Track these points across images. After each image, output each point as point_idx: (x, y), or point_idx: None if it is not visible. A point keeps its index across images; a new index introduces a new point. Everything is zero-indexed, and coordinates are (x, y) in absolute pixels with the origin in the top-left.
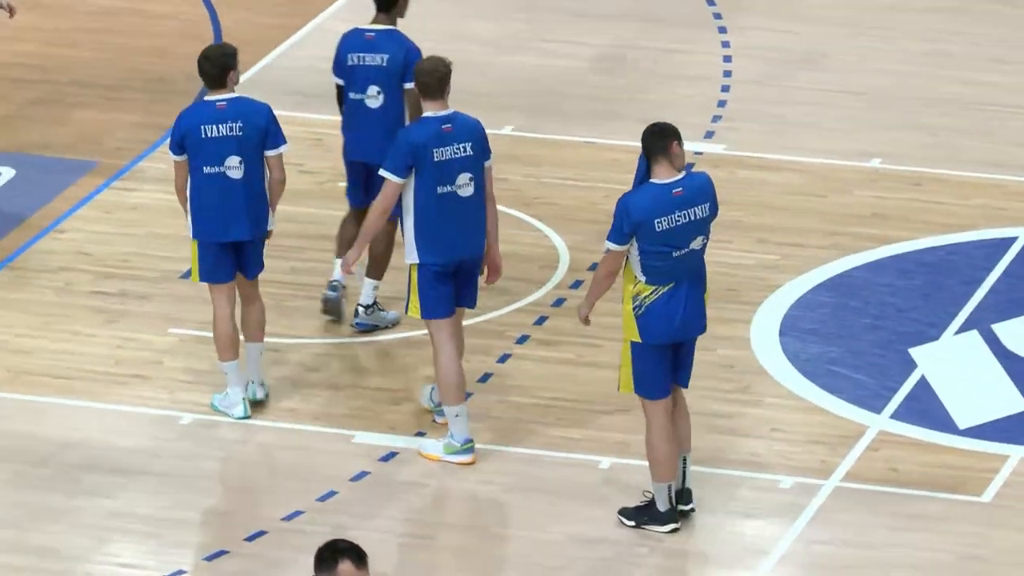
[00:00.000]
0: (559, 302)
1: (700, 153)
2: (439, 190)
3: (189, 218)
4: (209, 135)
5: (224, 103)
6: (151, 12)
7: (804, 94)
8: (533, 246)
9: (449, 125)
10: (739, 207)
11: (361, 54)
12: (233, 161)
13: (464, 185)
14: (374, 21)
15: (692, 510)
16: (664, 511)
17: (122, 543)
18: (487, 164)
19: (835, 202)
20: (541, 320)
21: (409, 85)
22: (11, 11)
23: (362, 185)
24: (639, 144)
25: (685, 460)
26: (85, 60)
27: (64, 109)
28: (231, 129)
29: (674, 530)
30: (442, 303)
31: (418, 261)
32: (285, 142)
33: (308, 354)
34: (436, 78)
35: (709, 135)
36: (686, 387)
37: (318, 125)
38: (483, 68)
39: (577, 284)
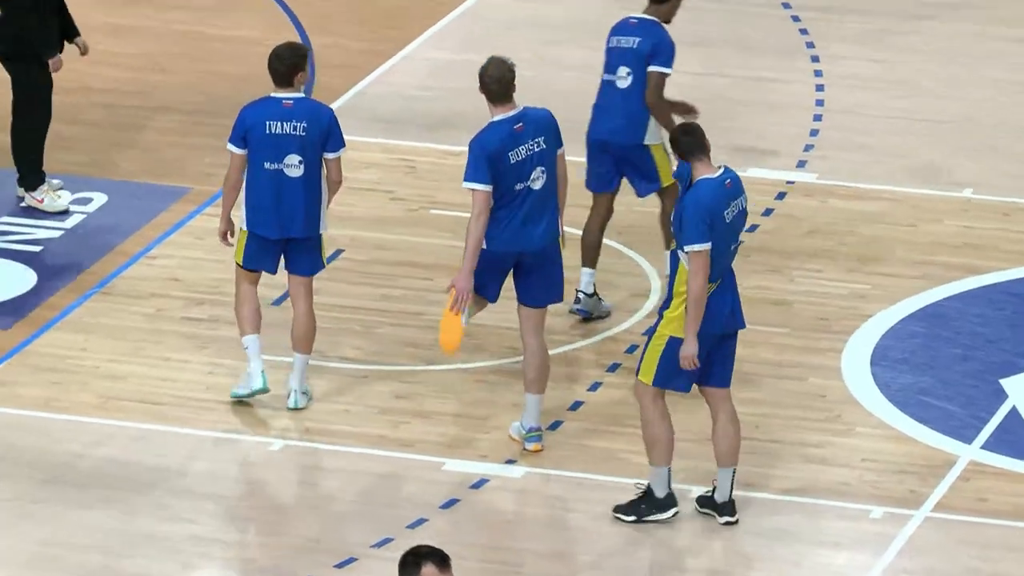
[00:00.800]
0: (651, 331)
1: (792, 182)
2: (516, 187)
3: (242, 211)
4: (273, 131)
5: (291, 101)
6: (239, 39)
7: (896, 123)
8: (624, 274)
9: (520, 124)
10: (830, 236)
11: (620, 37)
12: (293, 159)
13: (537, 179)
14: (644, 12)
15: (736, 522)
16: (663, 497)
17: (211, 569)
18: (560, 152)
19: (926, 232)
20: (632, 349)
21: (653, 68)
22: (85, 49)
23: (604, 167)
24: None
25: (734, 472)
26: (174, 86)
27: (154, 135)
28: (295, 128)
29: (675, 514)
30: (485, 287)
31: (484, 247)
32: (344, 146)
33: (398, 381)
34: (503, 84)
35: (801, 164)
36: (728, 386)
37: (409, 152)
38: (573, 95)
39: None
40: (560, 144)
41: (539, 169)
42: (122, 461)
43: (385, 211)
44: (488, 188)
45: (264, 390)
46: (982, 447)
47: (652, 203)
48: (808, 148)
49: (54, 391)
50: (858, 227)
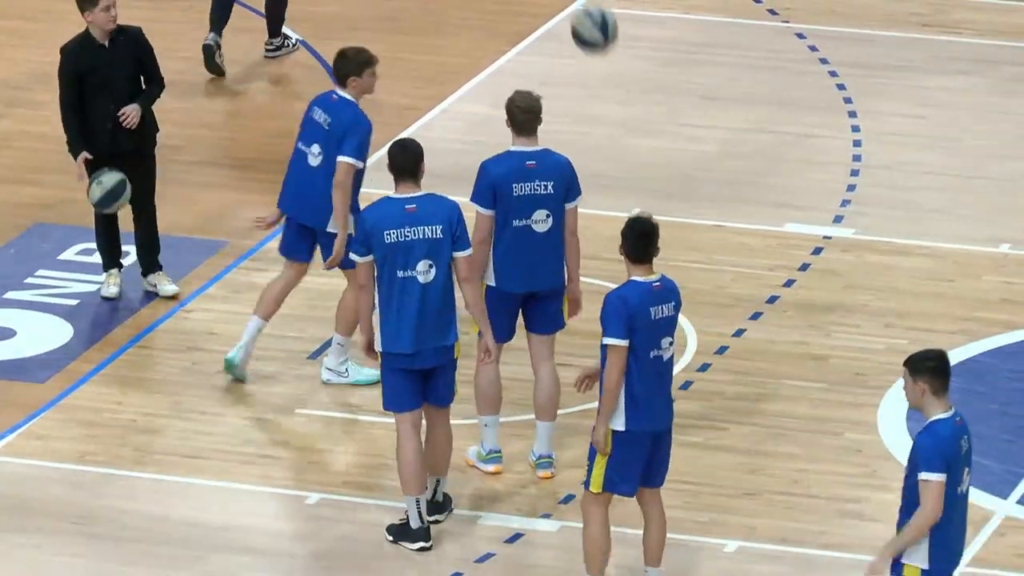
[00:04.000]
0: (686, 385)
1: (829, 237)
2: (515, 223)
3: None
4: (311, 116)
5: (336, 97)
6: (280, 93)
7: (934, 179)
8: None
9: (533, 162)
10: (868, 291)
11: None
12: (315, 149)
13: (541, 221)
14: None
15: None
16: (415, 528)
17: None
18: (570, 206)
19: (964, 287)
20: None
21: None
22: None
23: None
24: (770, 228)
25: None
26: (215, 140)
27: (193, 189)
28: (325, 121)
29: (423, 548)
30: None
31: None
32: (349, 154)
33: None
34: (533, 114)
35: (838, 219)
36: (446, 405)
37: None
38: (613, 151)
39: (705, 367)
40: (575, 195)
41: (543, 212)
42: (159, 515)
43: None
44: (490, 212)
45: (229, 362)
46: (1018, 502)
47: (686, 258)
48: (845, 203)
49: (90, 445)
50: (895, 282)
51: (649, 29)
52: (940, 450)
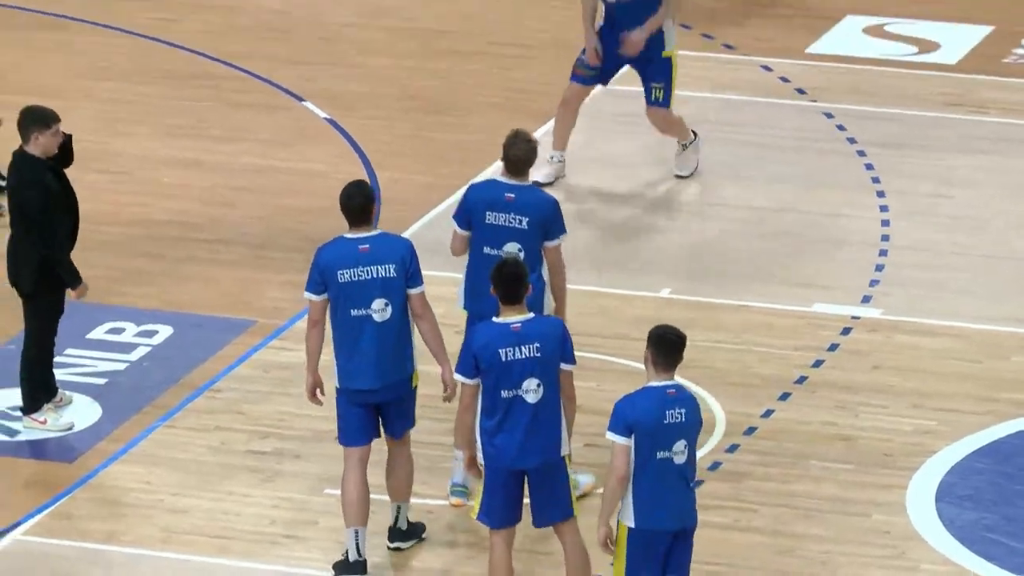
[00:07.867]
0: (715, 466)
1: (857, 317)
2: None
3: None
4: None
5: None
6: (306, 171)
7: (961, 259)
8: None
9: (512, 195)
10: (895, 372)
11: None
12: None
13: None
14: None
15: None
16: (352, 561)
17: None
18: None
19: (992, 367)
20: (697, 484)
21: None
22: None
23: None
24: (797, 308)
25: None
26: (238, 219)
27: (219, 267)
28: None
29: None
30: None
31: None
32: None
33: (465, 516)
34: (527, 162)
35: (866, 299)
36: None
37: None
38: (638, 230)
39: (733, 448)
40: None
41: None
42: None
43: (452, 345)
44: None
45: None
46: None
47: (712, 338)
48: (874, 283)
49: (118, 524)
50: (923, 363)
51: (676, 108)
52: (624, 415)
